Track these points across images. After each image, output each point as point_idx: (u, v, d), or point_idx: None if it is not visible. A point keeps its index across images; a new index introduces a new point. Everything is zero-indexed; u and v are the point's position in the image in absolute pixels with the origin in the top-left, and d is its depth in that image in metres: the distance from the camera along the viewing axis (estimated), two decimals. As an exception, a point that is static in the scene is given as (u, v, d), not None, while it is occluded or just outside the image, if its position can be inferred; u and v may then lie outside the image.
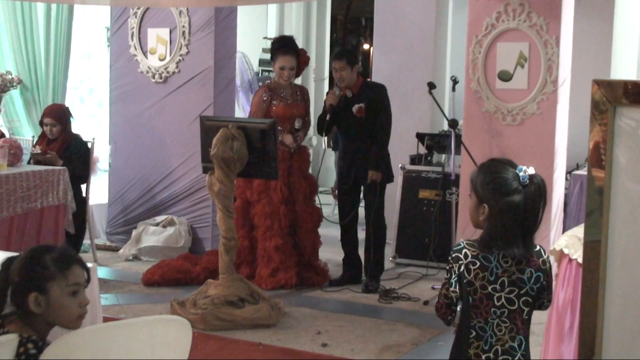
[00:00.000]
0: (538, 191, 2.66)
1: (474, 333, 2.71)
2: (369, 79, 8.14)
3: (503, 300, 2.68)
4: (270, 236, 6.04)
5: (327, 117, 6.02)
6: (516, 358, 2.70)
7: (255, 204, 6.11)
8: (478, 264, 2.69)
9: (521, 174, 2.69)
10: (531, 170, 2.71)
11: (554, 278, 3.93)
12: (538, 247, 2.74)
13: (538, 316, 5.40)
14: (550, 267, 2.77)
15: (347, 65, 5.97)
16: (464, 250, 2.72)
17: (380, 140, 6.00)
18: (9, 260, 2.51)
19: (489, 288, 2.68)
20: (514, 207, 2.63)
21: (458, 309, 2.79)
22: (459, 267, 2.71)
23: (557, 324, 3.68)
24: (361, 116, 5.98)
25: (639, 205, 1.89)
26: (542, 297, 2.77)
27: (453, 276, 2.74)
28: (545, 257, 2.74)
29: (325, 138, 8.32)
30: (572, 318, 3.57)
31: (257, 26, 10.98)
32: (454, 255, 2.74)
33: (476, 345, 2.71)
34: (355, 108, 5.98)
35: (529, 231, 2.66)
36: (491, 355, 2.69)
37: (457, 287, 2.73)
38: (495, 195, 2.66)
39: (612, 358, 1.92)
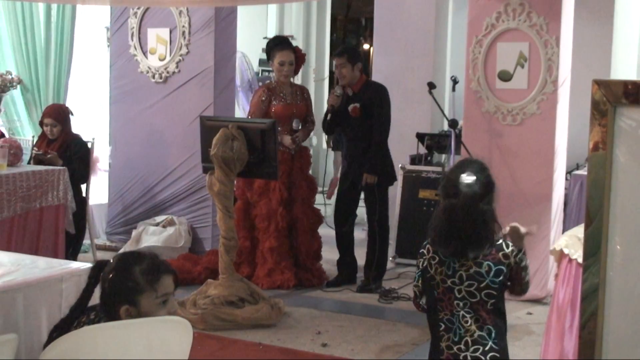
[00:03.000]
0: (472, 197, 2.70)
1: (442, 326, 2.75)
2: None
3: (464, 292, 2.71)
4: (266, 238, 6.05)
5: (328, 117, 6.04)
6: (487, 347, 2.70)
7: (256, 205, 6.11)
8: (437, 259, 2.76)
9: (461, 179, 2.75)
10: (469, 178, 2.76)
11: (553, 278, 3.94)
12: (500, 241, 2.76)
13: (538, 316, 5.39)
14: (515, 260, 2.76)
15: (348, 62, 5.95)
16: (427, 246, 2.80)
17: (377, 142, 5.95)
18: (100, 264, 2.56)
19: (449, 282, 2.73)
20: (448, 210, 2.71)
21: (423, 302, 2.87)
22: (423, 263, 2.79)
23: (557, 323, 3.68)
24: (356, 116, 5.96)
25: (639, 205, 1.89)
26: (512, 288, 2.78)
27: (417, 271, 2.84)
28: (507, 250, 2.75)
29: (326, 138, 8.32)
30: (572, 318, 3.57)
31: (257, 26, 10.98)
32: (420, 251, 2.84)
33: (446, 337, 2.75)
34: (350, 107, 5.97)
35: (465, 234, 2.69)
36: (462, 346, 2.71)
37: (420, 281, 2.82)
38: (441, 196, 2.78)
39: (612, 358, 1.92)
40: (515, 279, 2.79)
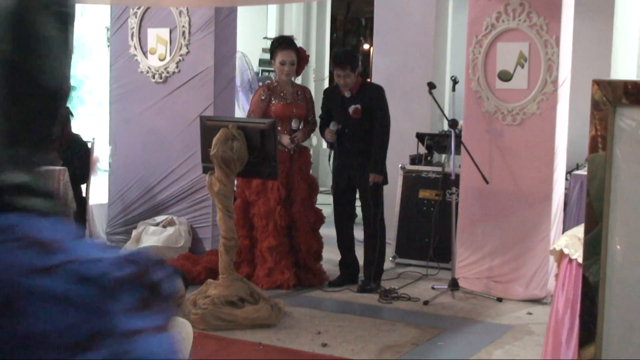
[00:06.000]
0: None
1: None
2: (368, 80, 8.15)
3: None
4: (265, 237, 6.05)
5: (327, 146, 6.14)
6: None
7: (254, 204, 6.12)
8: None
9: None
10: None
11: (553, 278, 3.93)
12: None
13: (538, 316, 5.39)
14: None
15: (351, 72, 6.01)
16: None
17: (380, 142, 6.01)
18: None
19: None
20: None
21: None
22: None
23: (557, 324, 3.68)
24: (357, 117, 6.00)
25: (639, 205, 1.89)
26: None
27: None
28: None
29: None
30: (572, 318, 3.56)
31: (257, 26, 10.98)
32: None
33: None
34: (351, 109, 6.00)
35: None
36: None
37: None
38: None
39: (612, 358, 1.92)
40: None
